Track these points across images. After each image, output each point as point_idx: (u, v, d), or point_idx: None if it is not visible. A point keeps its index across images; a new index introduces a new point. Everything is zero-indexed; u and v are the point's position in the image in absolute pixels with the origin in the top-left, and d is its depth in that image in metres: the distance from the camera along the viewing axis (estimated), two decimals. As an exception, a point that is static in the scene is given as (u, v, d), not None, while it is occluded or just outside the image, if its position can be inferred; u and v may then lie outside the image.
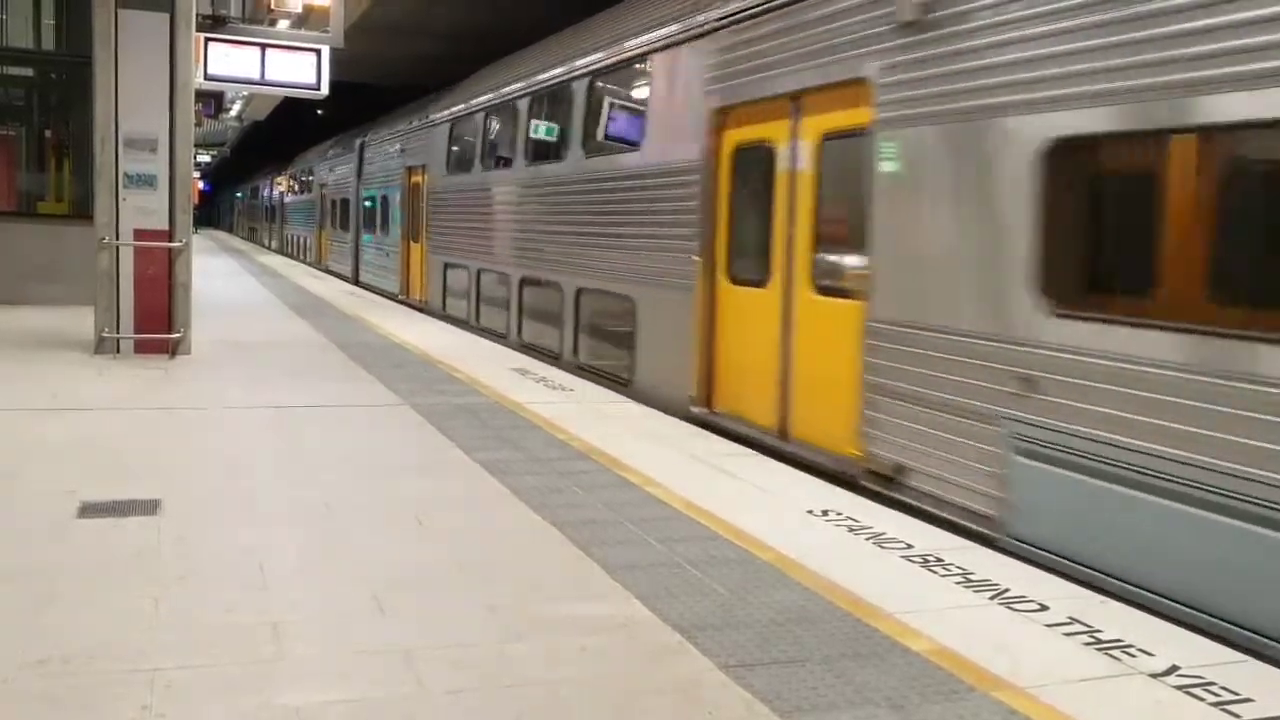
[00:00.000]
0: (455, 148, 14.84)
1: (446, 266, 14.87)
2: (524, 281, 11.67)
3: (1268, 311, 3.83)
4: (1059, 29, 4.60)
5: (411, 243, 17.11)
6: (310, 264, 27.44)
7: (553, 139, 11.10)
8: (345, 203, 23.07)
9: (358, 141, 21.70)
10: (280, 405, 7.04)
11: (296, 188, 32.44)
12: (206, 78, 12.33)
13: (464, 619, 3.44)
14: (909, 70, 5.50)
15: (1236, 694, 3.05)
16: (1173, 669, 3.22)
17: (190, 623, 3.28)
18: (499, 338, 12.01)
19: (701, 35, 7.75)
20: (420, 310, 15.30)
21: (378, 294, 18.08)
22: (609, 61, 9.58)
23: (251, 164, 48.09)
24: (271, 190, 39.36)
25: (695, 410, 7.54)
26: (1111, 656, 3.31)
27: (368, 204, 20.59)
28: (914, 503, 5.31)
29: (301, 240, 30.90)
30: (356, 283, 21.17)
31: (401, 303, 16.49)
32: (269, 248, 38.64)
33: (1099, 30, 4.41)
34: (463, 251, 13.99)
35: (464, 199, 13.96)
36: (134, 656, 3.01)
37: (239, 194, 56.49)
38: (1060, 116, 4.58)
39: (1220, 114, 3.91)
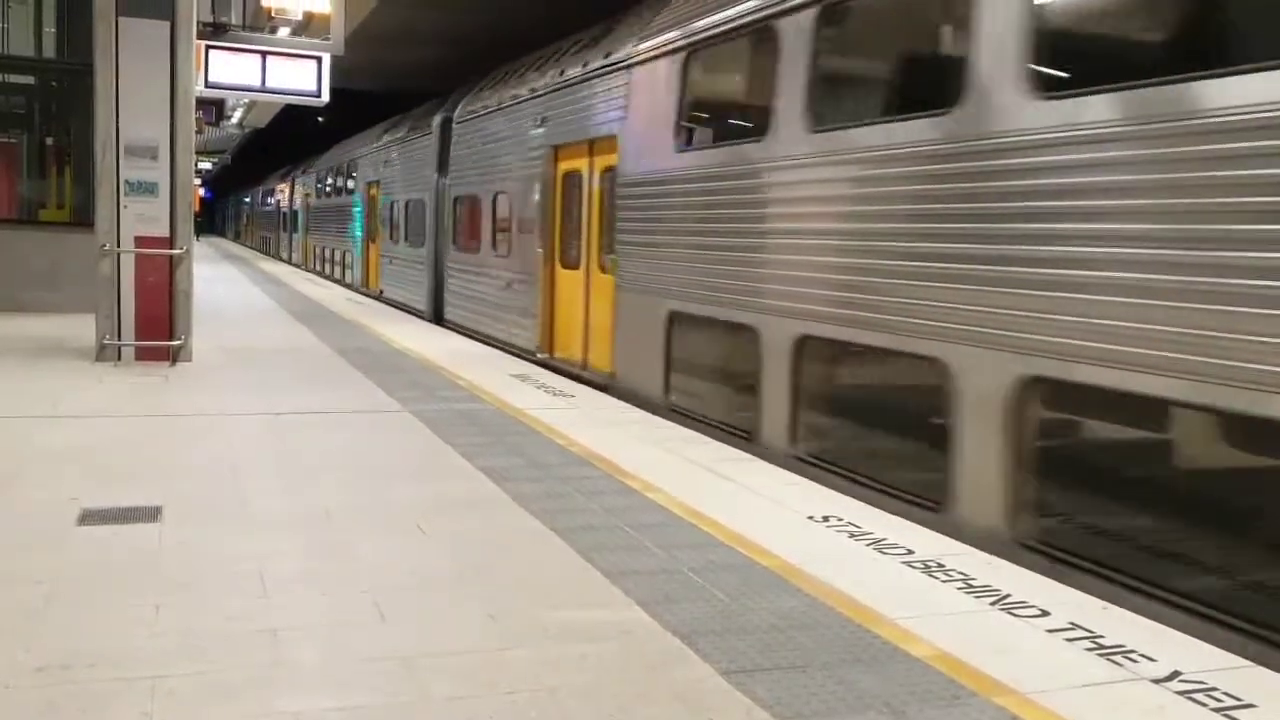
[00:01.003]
0: (704, 100, 8.18)
1: (676, 321, 8.01)
2: (1035, 394, 4.73)
3: None
4: None
5: (560, 268, 10.68)
6: (351, 286, 21.24)
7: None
8: (416, 206, 16.53)
9: (437, 119, 15.39)
10: (281, 412, 7.04)
11: (328, 188, 25.53)
12: (207, 85, 12.38)
13: (465, 625, 3.44)
14: None
15: (1239, 699, 3.04)
16: (1175, 674, 3.21)
17: (191, 629, 3.28)
18: (900, 500, 5.43)
19: None
20: (604, 389, 8.89)
21: (490, 345, 11.91)
22: None
23: (254, 170, 47.99)
24: (291, 192, 32.38)
25: None
26: (1113, 662, 3.31)
27: (461, 208, 14.17)
28: None
29: (337, 255, 24.04)
30: (439, 321, 14.83)
31: (541, 363, 10.47)
32: (286, 261, 32.64)
33: None
34: (739, 296, 7.02)
35: (737, 195, 7.10)
36: (134, 663, 3.01)
37: (246, 198, 51.24)
38: None
39: None
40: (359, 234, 21.23)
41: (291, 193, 32.58)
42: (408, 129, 17.78)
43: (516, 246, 11.76)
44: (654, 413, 7.70)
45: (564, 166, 10.62)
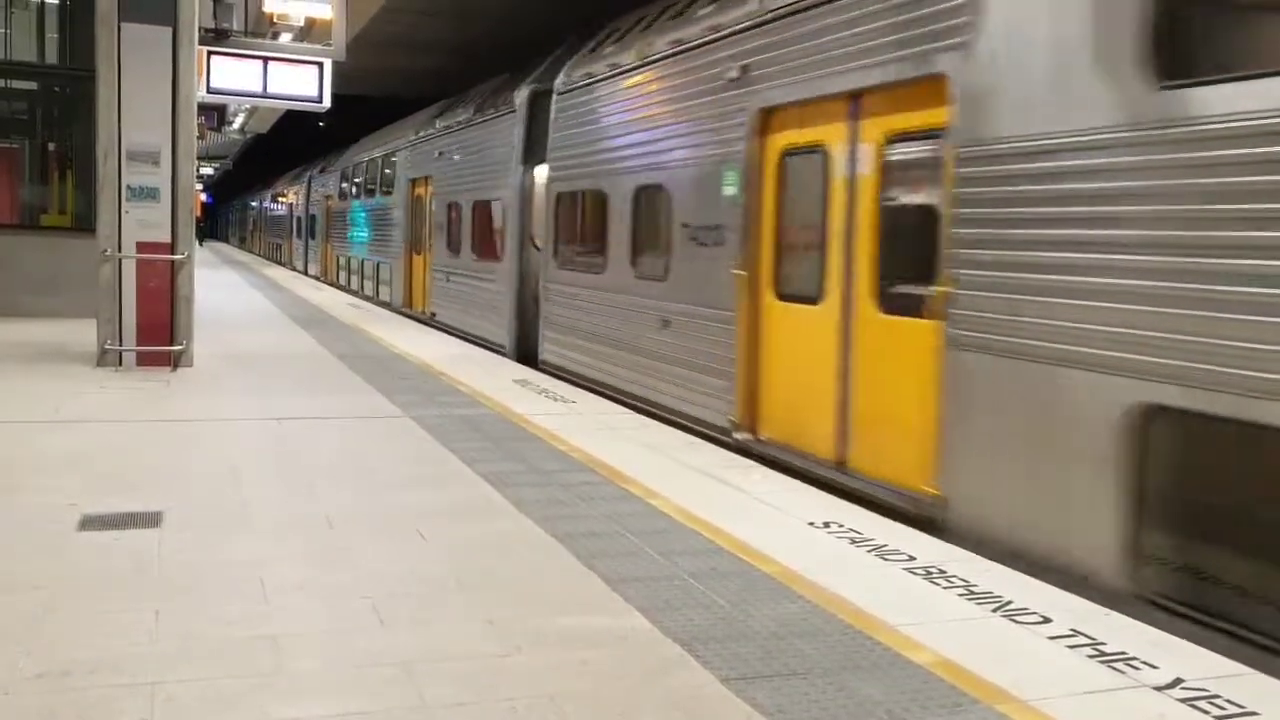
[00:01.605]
0: None
1: (1164, 423, 4.09)
2: None
3: None
4: None
5: (775, 300, 7.03)
6: (389, 305, 17.89)
7: None
8: (488, 207, 13.08)
9: (522, 93, 11.98)
10: (282, 417, 7.04)
11: (357, 188, 21.77)
12: (209, 91, 12.42)
13: (464, 631, 3.43)
14: None
15: (1241, 707, 3.03)
16: (1177, 681, 3.20)
17: (191, 636, 3.28)
18: None
19: None
20: (915, 522, 5.07)
21: (633, 407, 8.26)
22: None
23: (256, 175, 47.94)
24: (308, 194, 28.55)
25: None
26: (1115, 669, 3.30)
27: (569, 209, 10.52)
28: None
29: (368, 267, 20.39)
30: (529, 360, 11.11)
31: (740, 448, 6.96)
32: (302, 272, 28.76)
33: None
34: None
35: None
36: (134, 669, 3.01)
37: (254, 202, 48.07)
38: None
39: None
40: (399, 242, 17.66)
41: (308, 195, 28.48)
42: (473, 110, 14.03)
43: (681, 265, 8.05)
44: (1068, 588, 4.11)
45: (784, 139, 6.94)
